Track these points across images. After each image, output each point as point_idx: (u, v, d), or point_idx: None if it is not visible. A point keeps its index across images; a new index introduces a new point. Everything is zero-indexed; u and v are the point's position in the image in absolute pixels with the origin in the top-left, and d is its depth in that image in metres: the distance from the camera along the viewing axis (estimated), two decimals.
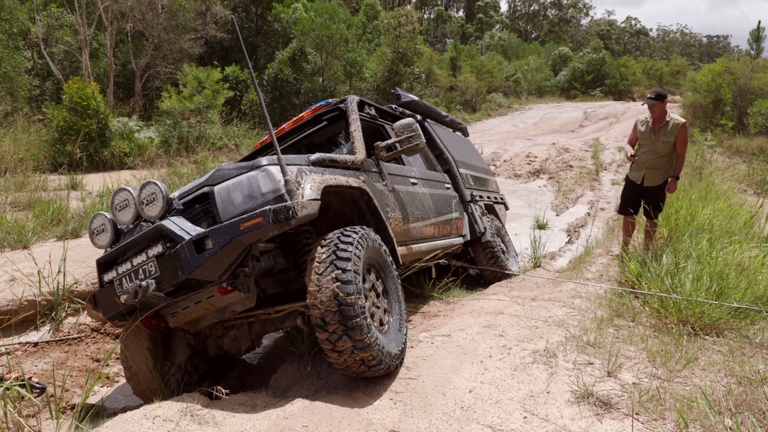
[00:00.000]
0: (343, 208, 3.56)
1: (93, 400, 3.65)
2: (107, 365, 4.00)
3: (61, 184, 10.43)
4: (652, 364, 3.10)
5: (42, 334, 4.44)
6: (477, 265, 5.73)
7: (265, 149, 4.82)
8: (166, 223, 2.77)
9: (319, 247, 2.87)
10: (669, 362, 3.10)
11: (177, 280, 2.69)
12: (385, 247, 3.30)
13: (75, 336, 4.33)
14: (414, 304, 4.46)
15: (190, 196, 2.94)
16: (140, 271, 2.81)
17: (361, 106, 4.53)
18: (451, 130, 6.61)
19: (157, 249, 2.75)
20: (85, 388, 3.03)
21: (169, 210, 2.86)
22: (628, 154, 5.39)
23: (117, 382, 3.94)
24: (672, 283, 3.99)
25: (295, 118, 4.70)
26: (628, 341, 3.41)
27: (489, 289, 5.16)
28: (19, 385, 3.56)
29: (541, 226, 8.88)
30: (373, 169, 3.89)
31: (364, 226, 3.15)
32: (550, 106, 31.49)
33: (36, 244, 6.06)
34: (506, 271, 5.35)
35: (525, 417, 2.51)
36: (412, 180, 4.49)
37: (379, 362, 2.79)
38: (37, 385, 3.52)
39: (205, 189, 2.89)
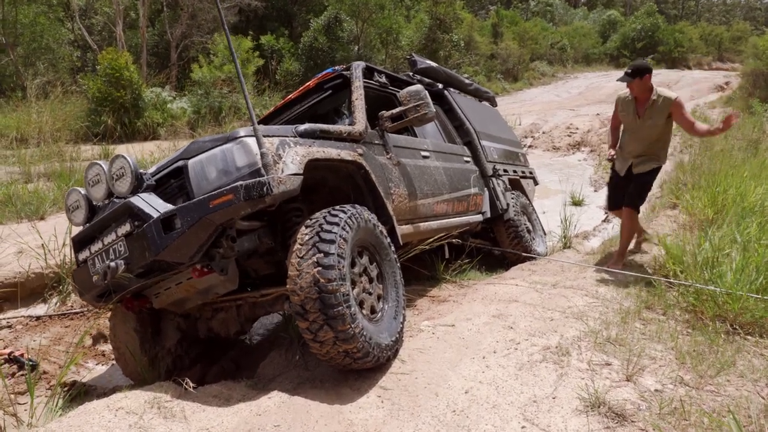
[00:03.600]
0: (340, 183, 3.26)
1: (87, 378, 3.55)
2: (104, 342, 3.91)
3: (94, 154, 10.53)
4: (680, 366, 2.72)
5: (48, 307, 4.39)
6: (500, 244, 5.35)
7: (279, 113, 4.51)
8: (134, 200, 2.55)
9: (303, 228, 2.61)
10: (700, 365, 2.71)
11: (145, 261, 2.48)
12: (381, 228, 3.01)
13: (77, 311, 4.25)
14: (423, 287, 4.17)
15: (165, 171, 2.71)
16: (111, 250, 2.62)
17: (369, 73, 4.18)
18: (477, 99, 6.16)
19: (126, 228, 2.54)
20: (64, 368, 2.91)
21: (139, 186, 2.63)
22: (609, 155, 4.58)
23: (113, 359, 3.84)
24: (711, 274, 3.54)
25: (301, 87, 4.39)
26: (656, 338, 3.03)
27: (509, 272, 4.81)
28: (11, 361, 3.49)
29: (577, 203, 8.36)
30: (376, 141, 3.56)
31: (356, 205, 2.85)
32: (597, 75, 29.95)
33: (53, 215, 6.06)
34: (525, 254, 4.96)
35: (523, 427, 2.20)
36: (424, 153, 4.14)
37: (365, 354, 2.53)
38: (30, 362, 3.45)
39: (179, 163, 2.65)
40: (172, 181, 2.70)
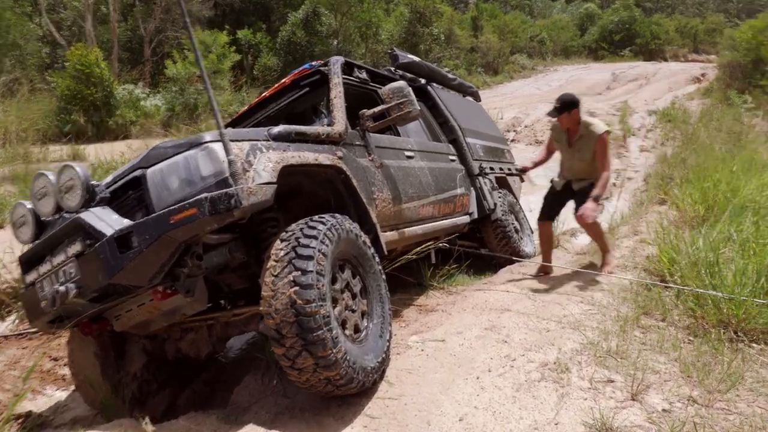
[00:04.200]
0: (318, 189, 3.01)
1: (45, 407, 3.26)
2: (65, 364, 3.60)
3: (63, 155, 10.10)
4: (686, 381, 2.54)
5: (4, 326, 4.07)
6: (487, 246, 5.15)
7: (253, 112, 4.22)
8: (85, 215, 2.27)
9: (278, 242, 2.36)
10: (707, 379, 2.54)
11: (99, 284, 2.20)
12: (365, 238, 2.77)
13: (35, 330, 3.94)
14: (410, 296, 3.95)
15: (121, 182, 2.43)
16: (60, 273, 2.34)
17: (349, 68, 3.93)
18: (460, 94, 5.94)
19: (77, 247, 2.26)
20: (18, 398, 2.63)
21: (91, 199, 2.35)
22: (522, 165, 4.60)
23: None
24: (710, 276, 3.38)
25: (276, 84, 4.12)
26: (657, 348, 2.85)
27: (498, 275, 4.61)
28: None
29: None
30: (357, 142, 3.32)
31: (336, 215, 2.61)
32: (577, 68, 29.99)
33: None
34: (515, 258, 4.76)
35: None
36: (408, 153, 3.91)
37: (349, 381, 2.29)
38: None
39: (137, 172, 2.37)
40: (129, 193, 2.42)
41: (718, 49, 31.78)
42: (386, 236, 3.32)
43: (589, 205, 3.90)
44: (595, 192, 3.95)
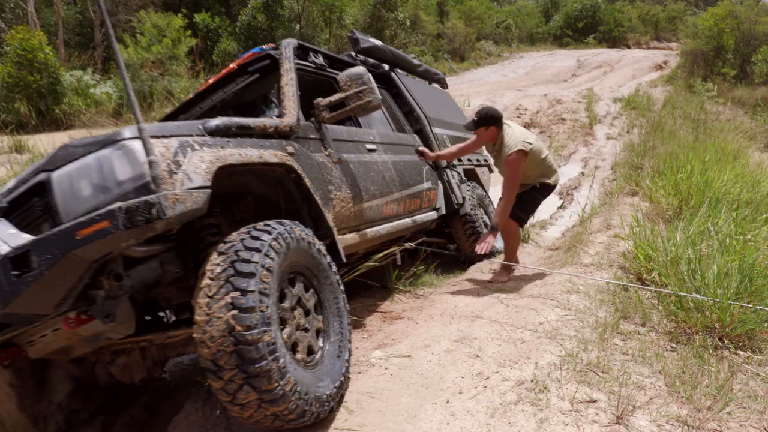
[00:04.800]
0: (268, 190, 2.67)
1: None
2: None
3: (4, 146, 9.40)
4: (673, 398, 2.32)
5: None
6: (456, 242, 4.90)
7: (198, 102, 3.80)
8: None
9: (214, 256, 2.02)
10: (695, 394, 2.33)
11: None
12: (319, 245, 2.45)
13: None
14: (373, 301, 3.65)
15: (24, 187, 2.04)
16: None
17: (304, 52, 3.57)
18: (426, 81, 5.64)
19: None
20: None
21: None
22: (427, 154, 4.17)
23: None
24: (691, 276, 3.19)
25: (223, 70, 3.72)
26: (640, 359, 2.63)
27: (468, 273, 4.36)
28: None
29: None
30: (312, 136, 2.98)
31: (285, 221, 2.28)
32: (542, 55, 30.05)
33: None
34: (476, 256, 4.48)
35: None
36: (369, 146, 3.59)
37: (300, 414, 1.99)
38: None
39: (42, 176, 1.98)
40: (35, 200, 2.03)
41: (679, 37, 32.40)
42: (345, 240, 3.00)
43: (483, 237, 3.74)
44: (492, 221, 3.83)
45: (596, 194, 7.14)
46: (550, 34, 36.16)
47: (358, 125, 3.79)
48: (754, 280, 3.01)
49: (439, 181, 4.57)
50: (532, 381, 2.38)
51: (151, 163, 1.83)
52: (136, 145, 1.89)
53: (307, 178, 2.59)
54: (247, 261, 1.95)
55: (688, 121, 11.23)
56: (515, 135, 3.87)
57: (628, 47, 34.49)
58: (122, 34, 15.92)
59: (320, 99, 3.08)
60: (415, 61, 5.26)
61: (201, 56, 17.48)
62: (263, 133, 2.53)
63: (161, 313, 2.71)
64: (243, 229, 2.14)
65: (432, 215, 4.37)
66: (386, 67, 4.80)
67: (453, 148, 4.29)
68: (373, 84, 3.04)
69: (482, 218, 4.94)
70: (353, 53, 4.53)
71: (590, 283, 3.52)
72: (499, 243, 5.04)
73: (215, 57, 18.57)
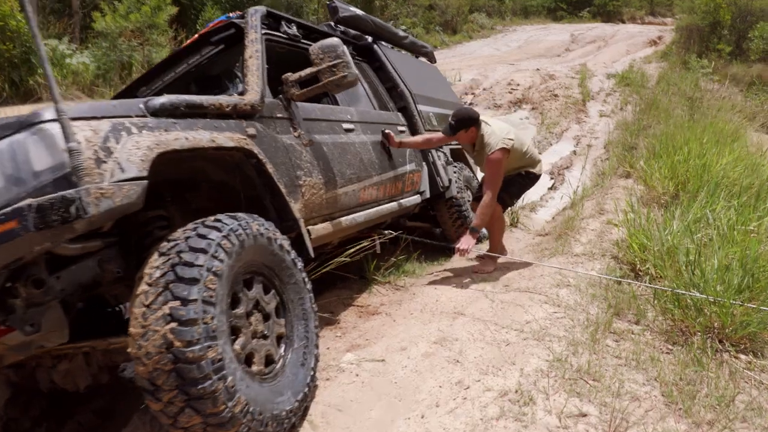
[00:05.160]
0: (226, 177, 2.38)
1: None
2: None
3: None
4: (670, 409, 2.12)
5: None
6: (441, 226, 4.65)
7: (156, 76, 3.47)
8: None
9: (154, 257, 1.75)
10: (694, 405, 2.12)
11: None
12: (282, 240, 2.18)
13: None
14: (350, 293, 3.41)
15: None
16: None
17: (275, 21, 3.24)
18: (413, 54, 5.30)
19: None
20: None
21: None
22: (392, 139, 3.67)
23: None
24: (690, 269, 2.97)
25: (188, 41, 3.39)
26: (634, 363, 2.42)
27: (453, 260, 4.14)
28: None
29: None
30: (279, 115, 2.68)
31: (240, 214, 2.01)
32: (536, 28, 29.45)
33: None
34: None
35: None
36: (346, 125, 3.30)
37: None
38: None
39: None
40: None
41: (674, 12, 31.87)
42: (316, 230, 2.74)
43: (464, 239, 3.54)
44: (473, 222, 3.60)
45: (588, 175, 6.90)
46: (544, 7, 35.42)
47: (335, 102, 3.49)
48: (757, 276, 2.80)
49: (424, 163, 4.29)
50: (516, 391, 2.16)
51: (71, 151, 1.54)
52: (56, 129, 1.59)
53: (270, 163, 2.31)
54: (191, 264, 1.69)
55: (683, 98, 10.96)
56: (495, 132, 3.62)
57: (623, 22, 33.91)
58: (100, 2, 15.23)
59: (289, 74, 2.78)
60: (401, 33, 4.92)
61: (183, 25, 16.85)
62: (219, 113, 2.24)
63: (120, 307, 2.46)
64: (190, 225, 1.87)
65: (415, 199, 4.11)
66: (369, 39, 4.46)
67: (419, 138, 3.96)
68: (349, 57, 2.74)
69: (469, 201, 4.69)
70: (332, 23, 4.20)
71: (581, 276, 3.30)
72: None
73: (199, 26, 17.92)
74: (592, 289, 3.12)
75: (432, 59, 5.70)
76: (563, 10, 34.37)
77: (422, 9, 26.48)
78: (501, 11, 32.66)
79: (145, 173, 1.70)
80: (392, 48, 4.76)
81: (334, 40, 2.75)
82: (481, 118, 3.71)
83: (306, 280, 2.30)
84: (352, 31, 4.38)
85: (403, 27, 21.75)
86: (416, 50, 5.33)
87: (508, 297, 3.08)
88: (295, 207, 2.49)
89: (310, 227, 2.70)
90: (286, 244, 2.22)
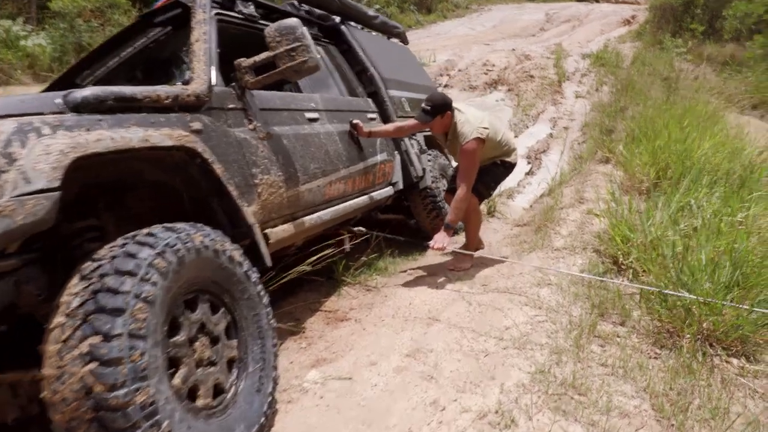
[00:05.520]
0: (167, 178, 2.10)
1: None
2: None
3: None
4: (662, 425, 1.95)
5: None
6: (415, 217, 4.43)
7: (98, 61, 3.13)
8: None
9: (74, 281, 1.49)
10: (687, 420, 1.96)
11: None
12: (232, 250, 1.93)
13: None
14: (317, 296, 3.17)
15: None
16: None
17: (229, 0, 2.93)
18: (384, 35, 5.01)
19: None
20: None
21: None
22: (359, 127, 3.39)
23: None
24: (675, 263, 2.81)
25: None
26: (621, 371, 2.25)
27: (428, 255, 3.94)
28: None
29: None
30: (231, 105, 2.39)
31: (179, 225, 1.75)
32: (511, 8, 29.12)
33: None
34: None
35: None
36: (310, 114, 3.02)
37: None
38: None
39: None
40: None
41: None
42: (276, 233, 2.48)
43: (439, 236, 3.35)
44: (447, 218, 3.40)
45: (566, 159, 6.74)
46: None
47: (298, 89, 3.21)
48: (746, 272, 2.65)
49: (396, 152, 4.04)
50: (496, 412, 1.96)
51: None
52: None
53: (218, 162, 2.04)
54: (115, 291, 1.43)
55: (658, 78, 10.88)
56: (469, 121, 3.39)
57: (597, 1, 33.75)
58: None
59: (243, 59, 2.49)
60: (370, 13, 4.62)
61: (147, 4, 16.11)
62: (157, 106, 1.95)
63: None
64: (119, 241, 1.60)
65: (387, 191, 3.87)
66: (336, 19, 4.16)
67: (390, 127, 3.68)
68: (309, 40, 2.46)
69: (444, 191, 4.47)
70: (296, 2, 3.88)
71: (561, 266, 3.12)
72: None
73: None
74: (575, 287, 2.95)
75: (404, 40, 5.41)
76: None
77: None
78: None
79: (56, 183, 1.42)
80: (362, 29, 4.47)
81: (293, 21, 2.47)
82: (454, 104, 3.48)
83: (262, 293, 2.05)
84: (318, 11, 4.07)
85: (377, 6, 21.25)
86: (387, 31, 5.03)
87: (486, 299, 2.88)
88: (250, 210, 2.23)
89: (269, 230, 2.45)
90: (238, 254, 1.96)
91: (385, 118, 4.02)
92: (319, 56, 2.48)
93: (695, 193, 3.67)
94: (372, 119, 3.86)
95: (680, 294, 2.52)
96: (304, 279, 3.25)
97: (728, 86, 8.21)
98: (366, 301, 3.06)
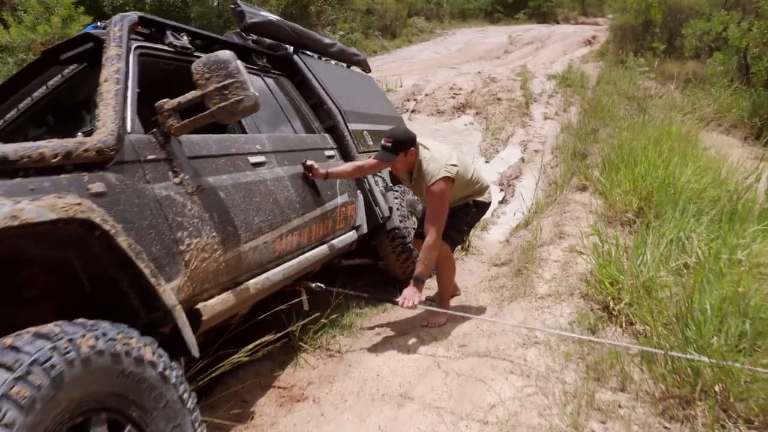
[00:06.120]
0: (60, 255, 1.67)
1: None
2: None
3: None
4: None
5: None
6: (384, 260, 4.03)
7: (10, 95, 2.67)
8: None
9: None
10: None
11: None
12: (142, 347, 1.50)
13: None
14: (271, 368, 2.73)
15: None
16: None
17: (159, 30, 2.56)
18: (343, 64, 4.68)
19: None
20: None
21: None
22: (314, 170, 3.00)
23: None
24: (678, 317, 2.48)
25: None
26: None
27: (398, 309, 3.52)
28: None
29: None
30: (150, 157, 1.99)
31: (61, 327, 1.32)
32: (474, 31, 29.52)
33: None
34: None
35: None
36: (255, 158, 2.63)
37: None
38: None
39: None
40: None
41: (605, 12, 32.85)
42: (212, 307, 2.06)
43: (408, 291, 2.94)
44: (416, 270, 2.97)
45: (540, 185, 6.47)
46: (481, 10, 35.73)
47: (242, 130, 2.81)
48: (756, 324, 2.33)
49: (359, 191, 3.67)
50: None
51: None
52: None
53: (124, 233, 1.62)
54: None
55: (624, 98, 10.87)
56: (435, 158, 3.03)
57: (557, 23, 34.58)
58: (1, 13, 13.81)
59: (165, 101, 2.09)
60: (327, 40, 4.29)
61: None
62: (40, 167, 1.53)
63: None
64: None
65: (350, 237, 3.48)
66: (289, 48, 3.81)
67: (348, 167, 3.28)
68: (244, 75, 2.08)
69: (414, 229, 4.10)
70: (241, 31, 3.53)
71: (550, 323, 2.76)
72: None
73: None
74: (565, 344, 2.58)
75: (366, 68, 5.10)
76: (500, 12, 34.76)
77: (360, 14, 25.97)
78: (439, 14, 32.64)
79: None
80: (318, 58, 4.13)
81: (225, 54, 2.09)
82: (419, 140, 3.13)
83: (186, 395, 1.62)
84: (267, 41, 3.72)
85: (342, 32, 21.18)
86: (346, 59, 4.70)
87: (465, 366, 2.49)
88: (172, 285, 1.82)
89: (201, 305, 2.02)
90: (149, 352, 1.53)
91: (346, 155, 3.66)
92: (257, 93, 2.09)
93: (683, 224, 3.39)
94: (330, 157, 3.49)
95: (690, 357, 2.17)
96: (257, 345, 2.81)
97: (697, 104, 8.13)
98: (327, 371, 2.63)
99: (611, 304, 2.92)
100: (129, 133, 1.98)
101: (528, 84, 13.67)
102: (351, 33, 22.02)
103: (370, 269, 4.25)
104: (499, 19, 33.79)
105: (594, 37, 24.55)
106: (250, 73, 3.20)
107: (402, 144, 3.01)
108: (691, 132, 5.62)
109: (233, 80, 2.04)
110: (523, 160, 8.35)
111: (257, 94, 2.11)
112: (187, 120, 2.07)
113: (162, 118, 2.08)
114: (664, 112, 7.06)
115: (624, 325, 2.81)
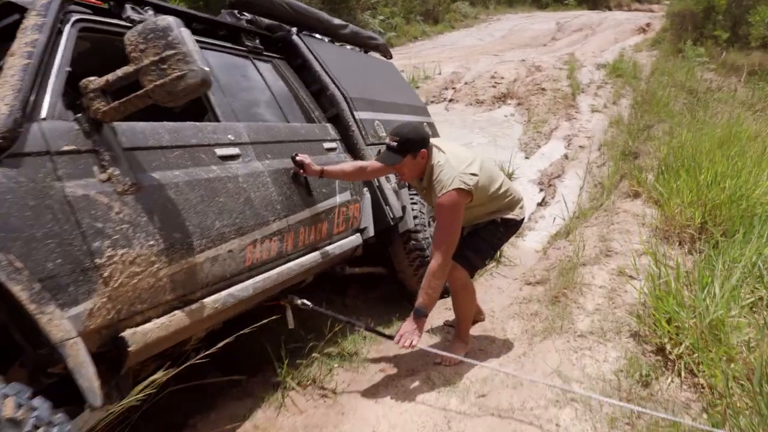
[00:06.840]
0: None
1: None
2: None
3: None
4: None
5: None
6: (398, 271, 3.46)
7: None
8: None
9: None
10: None
11: None
12: (3, 402, 1.04)
13: None
14: (251, 404, 2.23)
15: None
16: None
17: (117, 4, 2.11)
18: (357, 48, 4.13)
19: None
20: None
21: None
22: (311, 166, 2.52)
23: None
24: (759, 373, 1.88)
25: None
26: None
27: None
28: None
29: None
30: (66, 148, 1.53)
31: None
32: (521, 17, 28.37)
33: None
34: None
35: None
36: (225, 151, 2.15)
37: None
38: None
39: None
40: None
41: None
42: (143, 335, 1.60)
43: (406, 327, 2.40)
44: (417, 301, 2.43)
45: (585, 186, 5.79)
46: None
47: (215, 117, 2.33)
48: None
49: (365, 189, 3.15)
50: None
51: None
52: None
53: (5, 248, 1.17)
54: None
55: (681, 91, 9.93)
56: (451, 164, 2.42)
57: (609, 9, 32.99)
58: None
59: (90, 79, 1.62)
60: (336, 21, 3.72)
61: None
62: None
63: None
64: None
65: (353, 241, 2.97)
66: (291, 29, 3.30)
67: (347, 167, 2.73)
68: (189, 46, 1.59)
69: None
70: (230, 7, 3.06)
71: (590, 375, 2.18)
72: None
73: None
74: (609, 406, 2.01)
75: (385, 53, 4.54)
76: None
77: None
78: (485, 0, 31.54)
79: None
80: (322, 39, 3.60)
81: (164, 20, 1.60)
82: (433, 141, 2.54)
83: None
84: (266, 21, 3.23)
85: (381, 17, 20.59)
86: (361, 43, 4.14)
87: (482, 428, 1.94)
88: (77, 311, 1.37)
89: (129, 332, 1.57)
90: (10, 406, 1.08)
91: (351, 147, 3.14)
92: (206, 68, 1.60)
93: (760, 247, 2.73)
94: (331, 149, 2.98)
95: None
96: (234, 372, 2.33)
97: (766, 100, 7.20)
98: (315, 420, 2.12)
99: (668, 347, 2.32)
100: (43, 119, 1.53)
101: (575, 73, 12.80)
102: (391, 17, 21.39)
103: (384, 279, 3.71)
104: (548, 5, 32.43)
105: (648, 25, 23.17)
106: (235, 55, 2.75)
107: (410, 144, 2.43)
108: (764, 133, 4.83)
109: (173, 51, 1.56)
110: (566, 156, 7.64)
111: (206, 69, 1.62)
112: (117, 102, 1.60)
113: (87, 101, 1.61)
114: (729, 109, 6.21)
115: (683, 374, 2.22)
